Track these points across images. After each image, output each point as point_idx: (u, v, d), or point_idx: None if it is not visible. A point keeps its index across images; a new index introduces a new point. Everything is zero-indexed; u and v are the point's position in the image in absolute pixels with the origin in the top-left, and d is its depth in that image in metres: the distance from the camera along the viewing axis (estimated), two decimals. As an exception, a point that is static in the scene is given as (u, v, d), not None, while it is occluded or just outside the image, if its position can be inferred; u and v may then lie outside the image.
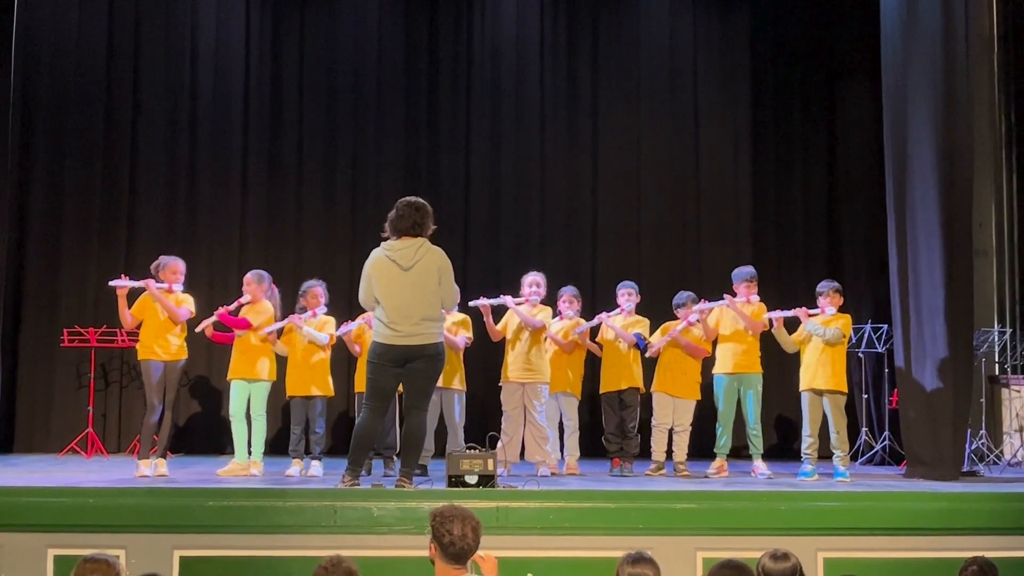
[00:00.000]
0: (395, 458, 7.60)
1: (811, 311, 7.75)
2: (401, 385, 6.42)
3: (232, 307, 7.68)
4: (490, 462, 6.15)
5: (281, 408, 9.18)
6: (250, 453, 7.63)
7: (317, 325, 7.74)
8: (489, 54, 10.51)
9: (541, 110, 10.48)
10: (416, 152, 10.34)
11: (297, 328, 7.68)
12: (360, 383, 7.46)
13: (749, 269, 8.13)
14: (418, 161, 10.32)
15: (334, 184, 10.26)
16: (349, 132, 10.29)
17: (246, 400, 7.62)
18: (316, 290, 7.82)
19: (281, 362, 7.85)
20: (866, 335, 9.12)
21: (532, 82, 10.49)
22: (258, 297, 7.70)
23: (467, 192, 10.36)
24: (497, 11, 10.54)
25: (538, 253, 10.01)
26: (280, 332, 7.76)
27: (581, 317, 8.22)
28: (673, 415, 8.00)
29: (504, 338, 7.96)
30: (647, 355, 8.05)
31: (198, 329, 7.69)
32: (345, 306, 8.53)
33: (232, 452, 7.82)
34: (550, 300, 8.10)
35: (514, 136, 10.43)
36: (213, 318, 7.62)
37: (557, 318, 8.15)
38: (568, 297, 8.15)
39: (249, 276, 7.80)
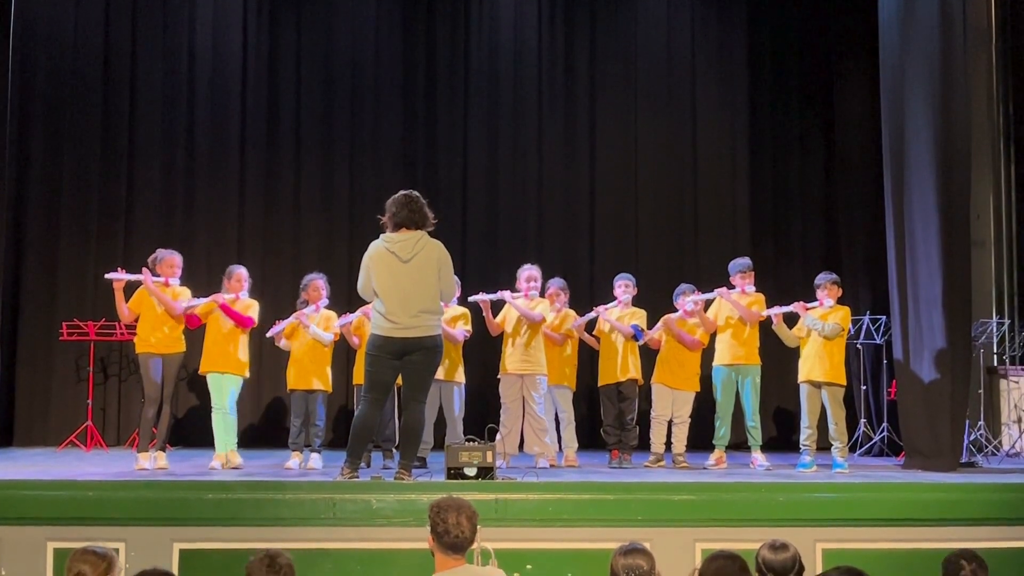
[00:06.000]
0: (394, 450, 7.61)
1: (809, 304, 7.75)
2: (400, 377, 6.42)
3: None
4: (489, 454, 6.16)
5: (281, 401, 9.21)
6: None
7: (320, 320, 7.74)
8: (487, 48, 10.48)
9: (539, 104, 10.46)
10: (414, 147, 10.32)
11: (304, 327, 7.67)
12: (359, 375, 7.46)
13: (745, 260, 8.13)
14: (416, 156, 10.30)
15: (332, 179, 10.25)
16: (346, 128, 10.28)
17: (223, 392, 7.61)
18: (317, 283, 7.81)
19: (281, 356, 7.84)
20: (864, 326, 9.13)
21: (529, 77, 10.47)
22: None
23: (465, 187, 10.35)
24: (495, 5, 10.52)
25: (536, 248, 10.00)
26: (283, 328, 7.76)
27: (572, 309, 8.22)
28: (672, 407, 8.01)
29: (503, 331, 7.97)
30: (641, 342, 8.05)
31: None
32: (344, 300, 8.52)
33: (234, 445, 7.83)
34: (540, 293, 8.10)
35: (512, 131, 10.42)
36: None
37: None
38: (555, 290, 8.14)
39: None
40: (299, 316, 7.69)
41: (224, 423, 7.53)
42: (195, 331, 7.66)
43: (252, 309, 7.66)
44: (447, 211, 9.39)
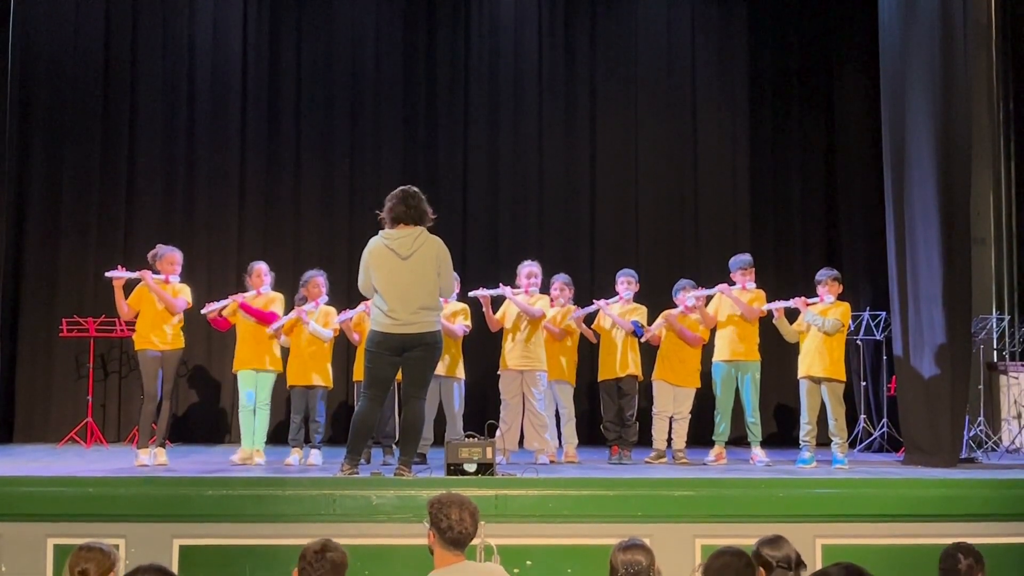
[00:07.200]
0: (394, 446, 7.61)
1: (810, 300, 7.76)
2: (400, 374, 6.42)
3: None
4: (489, 450, 6.16)
5: (282, 397, 9.19)
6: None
7: (320, 316, 7.74)
8: (487, 44, 10.48)
9: (539, 103, 10.46)
10: (414, 145, 10.32)
11: (304, 323, 7.66)
12: (359, 372, 7.46)
13: (745, 256, 8.14)
14: (416, 152, 10.30)
15: (332, 177, 10.25)
16: (347, 126, 10.28)
17: (254, 389, 7.61)
18: (317, 280, 7.81)
19: (282, 352, 7.85)
20: (864, 322, 9.13)
21: (530, 76, 10.47)
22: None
23: (465, 185, 10.34)
24: (495, 4, 10.51)
25: (536, 244, 9.99)
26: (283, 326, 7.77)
27: (574, 305, 8.22)
28: (673, 403, 8.01)
29: (503, 327, 7.97)
30: (642, 339, 8.05)
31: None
32: (344, 296, 8.52)
33: (235, 440, 7.82)
34: (542, 288, 8.10)
35: (512, 127, 10.42)
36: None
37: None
38: (560, 285, 8.15)
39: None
40: (299, 313, 7.69)
41: (251, 420, 7.55)
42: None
43: (275, 303, 7.66)
44: (448, 209, 9.41)
